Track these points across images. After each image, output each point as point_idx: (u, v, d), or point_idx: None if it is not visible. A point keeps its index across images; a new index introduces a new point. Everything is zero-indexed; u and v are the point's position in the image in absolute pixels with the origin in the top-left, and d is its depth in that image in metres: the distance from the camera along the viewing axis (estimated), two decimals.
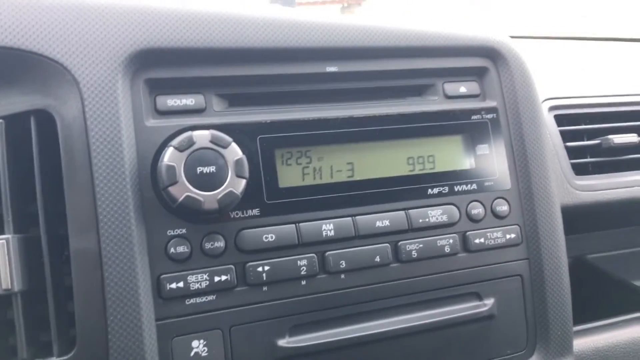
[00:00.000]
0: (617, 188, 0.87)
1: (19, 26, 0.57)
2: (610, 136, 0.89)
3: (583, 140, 0.91)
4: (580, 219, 0.98)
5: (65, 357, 0.57)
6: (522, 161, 0.73)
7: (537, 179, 0.73)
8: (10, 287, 0.55)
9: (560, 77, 1.02)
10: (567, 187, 0.85)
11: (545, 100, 0.90)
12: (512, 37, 0.79)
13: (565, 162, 0.87)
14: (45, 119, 0.58)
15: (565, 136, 0.90)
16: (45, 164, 0.58)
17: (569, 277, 0.75)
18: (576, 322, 0.86)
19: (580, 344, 0.84)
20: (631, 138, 0.90)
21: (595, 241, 1.14)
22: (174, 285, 0.59)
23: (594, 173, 0.90)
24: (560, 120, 0.90)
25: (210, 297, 0.60)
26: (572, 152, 0.89)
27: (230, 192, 0.58)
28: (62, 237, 0.59)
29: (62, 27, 0.58)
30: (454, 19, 0.75)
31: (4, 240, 0.55)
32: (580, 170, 0.89)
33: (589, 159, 0.90)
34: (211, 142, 0.58)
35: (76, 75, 0.57)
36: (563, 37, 1.27)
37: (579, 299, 0.96)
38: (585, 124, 0.93)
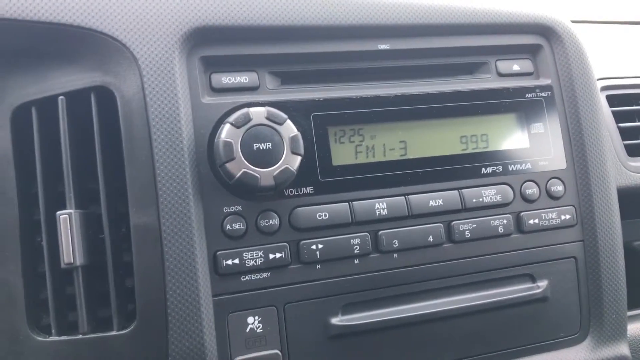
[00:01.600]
0: None
1: (80, 4, 0.57)
2: None
3: (635, 122, 0.89)
4: (632, 202, 0.96)
5: (125, 331, 0.57)
6: (577, 140, 0.72)
7: (593, 159, 0.71)
8: (72, 261, 0.56)
9: (612, 58, 0.99)
10: (620, 168, 0.83)
11: (598, 80, 0.88)
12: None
13: (618, 143, 0.85)
14: (105, 96, 0.59)
15: (618, 117, 0.87)
16: (105, 140, 0.59)
17: (624, 261, 0.73)
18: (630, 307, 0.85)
19: (633, 328, 0.82)
20: None
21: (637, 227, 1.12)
22: (230, 262, 0.59)
23: None
24: (612, 100, 0.88)
25: (265, 274, 0.60)
26: (624, 133, 0.87)
27: (286, 168, 0.58)
28: (121, 215, 0.60)
29: (121, 5, 0.58)
30: None
31: (66, 215, 0.56)
32: (633, 151, 0.87)
33: None
34: (267, 118, 0.58)
35: (135, 53, 0.58)
36: (612, 22, 1.23)
37: (628, 285, 0.94)
38: (637, 105, 0.90)
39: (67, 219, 0.56)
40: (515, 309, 0.68)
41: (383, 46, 0.68)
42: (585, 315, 0.72)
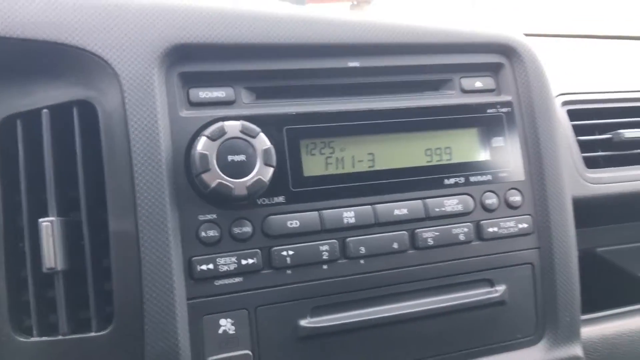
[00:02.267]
0: (627, 181, 0.90)
1: (64, 22, 0.60)
2: (621, 130, 0.92)
3: (595, 135, 0.94)
4: (591, 212, 1.01)
5: (102, 332, 0.61)
6: (535, 153, 0.76)
7: (550, 171, 0.76)
8: (53, 265, 0.59)
9: (573, 73, 1.04)
10: (578, 179, 0.88)
11: (559, 95, 0.93)
12: (525, 34, 0.82)
13: (577, 155, 0.89)
14: (87, 110, 0.62)
15: (578, 130, 0.92)
16: (86, 152, 0.62)
17: (578, 267, 0.78)
18: (586, 312, 0.89)
19: (589, 331, 0.87)
20: None
21: (605, 235, 1.17)
22: (204, 267, 0.62)
23: (605, 167, 0.93)
24: (572, 114, 0.93)
25: (238, 279, 0.64)
26: (584, 146, 0.92)
27: (259, 179, 0.62)
28: (101, 222, 0.63)
29: (103, 23, 0.61)
30: (468, 17, 0.78)
31: (48, 222, 0.60)
32: (591, 163, 0.92)
33: (600, 153, 0.93)
34: (241, 132, 0.62)
35: (116, 69, 0.61)
36: (574, 35, 1.29)
37: (589, 291, 0.99)
38: (597, 119, 0.95)
39: (49, 226, 0.59)
40: (475, 312, 0.73)
41: (353, 63, 0.72)
42: (540, 318, 0.76)
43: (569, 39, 1.32)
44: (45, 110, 0.62)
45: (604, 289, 1.14)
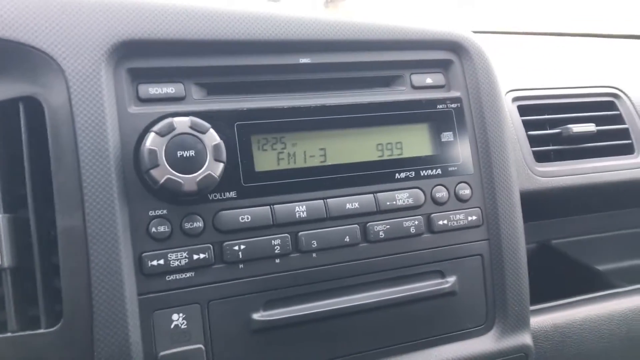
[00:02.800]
0: (574, 174, 0.93)
1: (7, 18, 0.60)
2: (569, 125, 0.95)
3: (545, 130, 0.97)
4: (544, 205, 1.04)
5: (52, 329, 0.60)
6: (484, 148, 0.78)
7: (498, 165, 0.78)
8: (0, 262, 0.59)
9: (525, 69, 1.07)
10: (528, 173, 0.90)
11: (509, 91, 0.96)
12: (477, 32, 0.84)
13: (527, 149, 0.92)
14: (33, 106, 0.62)
15: (528, 125, 0.95)
16: (33, 148, 0.62)
17: (526, 257, 0.80)
18: (539, 301, 0.92)
19: (541, 320, 0.90)
20: (589, 127, 0.95)
21: (560, 227, 1.21)
22: (155, 262, 0.62)
23: (555, 160, 0.96)
24: (523, 110, 0.96)
25: (189, 274, 0.64)
26: (534, 141, 0.94)
27: (209, 175, 0.62)
28: (49, 219, 0.62)
29: (48, 19, 0.61)
30: (429, 16, 0.79)
31: None
32: (542, 157, 0.95)
33: (550, 147, 0.96)
34: (191, 127, 0.62)
35: (62, 65, 0.61)
36: (530, 33, 1.32)
37: (544, 281, 1.02)
38: (547, 114, 0.98)
39: None
40: (426, 303, 0.74)
41: (304, 60, 0.72)
42: (490, 308, 0.78)
43: (528, 36, 1.35)
44: None
45: (559, 280, 1.17)
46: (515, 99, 0.95)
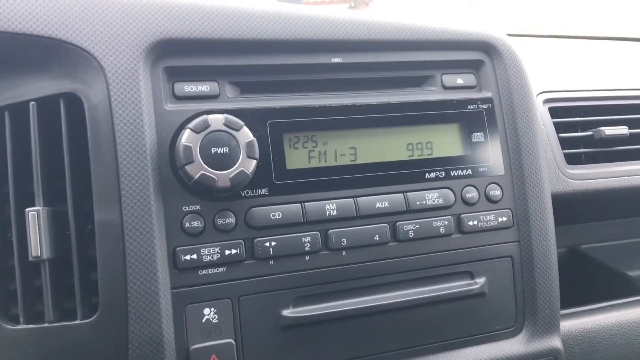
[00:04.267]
0: (606, 177, 0.92)
1: (51, 17, 0.62)
2: (602, 128, 0.94)
3: (576, 132, 0.96)
4: (574, 209, 1.03)
5: (87, 320, 0.62)
6: (515, 149, 0.78)
7: (529, 166, 0.78)
8: (39, 254, 0.61)
9: (556, 72, 1.06)
10: (559, 175, 0.89)
11: (541, 93, 0.95)
12: (510, 34, 0.84)
13: (558, 152, 0.91)
14: (74, 102, 0.63)
15: (559, 127, 0.94)
16: (72, 143, 0.64)
17: (557, 260, 0.79)
18: (569, 306, 0.91)
19: (570, 325, 0.88)
20: (621, 130, 0.94)
21: (589, 232, 1.19)
22: (188, 257, 0.64)
23: (587, 163, 0.95)
24: (554, 112, 0.95)
25: (221, 269, 0.65)
26: (565, 143, 0.93)
27: (242, 171, 0.63)
28: (87, 213, 0.64)
29: (90, 18, 0.63)
30: (454, 16, 0.79)
31: (35, 212, 0.61)
32: (573, 160, 0.94)
33: (581, 150, 0.95)
34: (225, 125, 0.63)
35: (102, 62, 0.62)
36: (560, 36, 1.31)
37: (573, 286, 1.01)
38: (578, 117, 0.97)
39: (35, 216, 0.61)
40: (455, 304, 0.74)
41: (336, 59, 0.73)
42: (520, 310, 0.78)
43: (556, 39, 1.34)
44: (32, 103, 0.63)
45: (589, 285, 1.15)
46: (547, 101, 0.94)
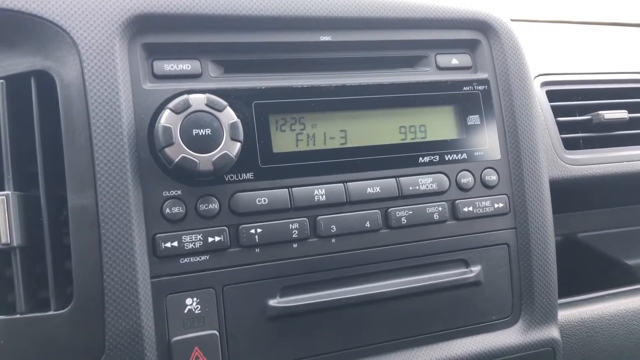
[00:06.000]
0: (606, 163, 0.89)
1: None
2: (601, 112, 0.91)
3: (574, 116, 0.93)
4: (571, 195, 1.00)
5: (61, 311, 0.58)
6: (512, 132, 0.75)
7: (526, 150, 0.75)
8: (9, 241, 0.57)
9: (554, 56, 1.03)
10: (557, 160, 0.86)
11: (538, 76, 0.92)
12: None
13: (556, 136, 0.88)
14: (45, 80, 0.60)
15: (557, 112, 0.91)
16: (45, 124, 0.60)
17: (554, 248, 0.77)
18: (566, 295, 0.88)
19: (567, 315, 0.86)
20: (621, 114, 0.91)
21: (586, 220, 1.16)
22: (168, 245, 0.60)
23: (585, 148, 0.92)
24: (552, 96, 0.92)
25: (204, 257, 0.62)
26: (563, 127, 0.90)
27: (225, 154, 0.60)
28: (62, 198, 0.61)
29: None
30: None
31: (3, 197, 0.57)
32: (571, 145, 0.91)
33: (579, 134, 0.92)
34: (207, 105, 0.60)
35: (75, 38, 0.59)
36: (557, 21, 1.27)
37: (570, 275, 0.98)
38: (577, 100, 0.94)
39: (4, 201, 0.57)
40: (449, 293, 0.71)
41: (325, 38, 0.70)
42: (517, 299, 0.75)
43: (553, 24, 1.31)
44: (1, 81, 0.59)
45: (586, 274, 1.13)
46: (544, 84, 0.91)
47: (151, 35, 0.63)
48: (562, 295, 0.84)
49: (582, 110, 0.94)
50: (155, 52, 0.63)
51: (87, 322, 0.58)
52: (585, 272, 1.10)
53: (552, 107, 0.90)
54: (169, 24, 0.63)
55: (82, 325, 0.58)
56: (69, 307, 0.58)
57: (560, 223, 1.08)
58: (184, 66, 0.64)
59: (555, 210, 0.78)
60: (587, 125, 0.92)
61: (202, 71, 0.65)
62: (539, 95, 0.90)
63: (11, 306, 0.60)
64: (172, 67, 0.64)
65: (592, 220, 1.16)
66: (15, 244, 0.57)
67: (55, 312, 0.58)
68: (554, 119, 0.89)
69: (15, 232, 0.57)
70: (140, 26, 0.62)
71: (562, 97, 0.92)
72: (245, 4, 0.65)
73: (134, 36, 0.62)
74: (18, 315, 0.59)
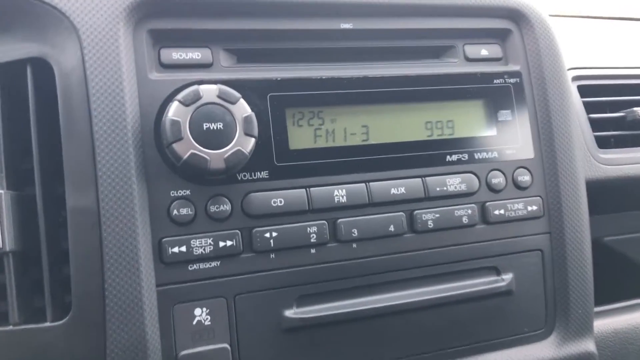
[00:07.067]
0: None
1: None
2: (635, 108, 0.85)
3: (606, 113, 0.87)
4: (600, 197, 0.95)
5: (58, 323, 0.53)
6: (546, 129, 0.69)
7: (562, 149, 0.69)
8: (2, 245, 0.52)
9: (585, 50, 0.97)
10: (591, 160, 0.81)
11: (569, 69, 0.86)
12: None
13: (588, 134, 0.83)
14: (43, 68, 0.55)
15: (589, 108, 0.85)
16: (42, 116, 0.55)
17: (591, 255, 0.71)
18: (597, 303, 0.83)
19: (599, 325, 0.81)
20: None
21: (613, 223, 1.11)
22: (176, 250, 0.55)
23: (617, 147, 0.86)
24: (583, 91, 0.86)
25: (215, 263, 0.57)
26: (595, 125, 0.85)
27: (238, 150, 0.54)
28: (60, 198, 0.55)
29: None
30: None
31: None
32: (602, 143, 0.85)
33: (612, 132, 0.86)
34: (219, 97, 0.55)
35: (75, 23, 0.54)
36: (585, 16, 1.22)
37: (599, 282, 0.92)
38: (609, 96, 0.88)
39: None
40: (479, 303, 0.66)
41: (346, 25, 0.65)
42: (550, 310, 0.70)
43: (582, 19, 1.25)
44: None
45: (612, 280, 1.07)
46: (576, 78, 0.86)
47: (158, 21, 0.58)
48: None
49: (614, 107, 0.88)
50: (162, 39, 0.58)
51: (86, 335, 0.53)
52: (614, 278, 1.04)
53: (584, 103, 0.85)
54: (178, 8, 0.58)
55: (81, 338, 0.53)
56: (67, 317, 0.53)
57: None
58: (194, 55, 0.59)
59: None
60: (620, 123, 0.87)
61: (214, 60, 0.60)
62: (571, 91, 0.84)
63: (3, 316, 0.55)
64: (180, 55, 0.59)
65: (619, 224, 1.11)
66: (7, 248, 0.52)
67: (52, 324, 0.53)
68: (586, 116, 0.84)
69: (8, 236, 0.52)
70: (147, 11, 0.57)
71: (594, 92, 0.87)
72: None
73: (140, 22, 0.57)
74: (11, 327, 0.54)
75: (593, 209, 1.01)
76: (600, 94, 0.88)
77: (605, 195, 0.92)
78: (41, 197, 0.54)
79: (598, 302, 0.86)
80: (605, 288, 0.98)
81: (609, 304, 0.86)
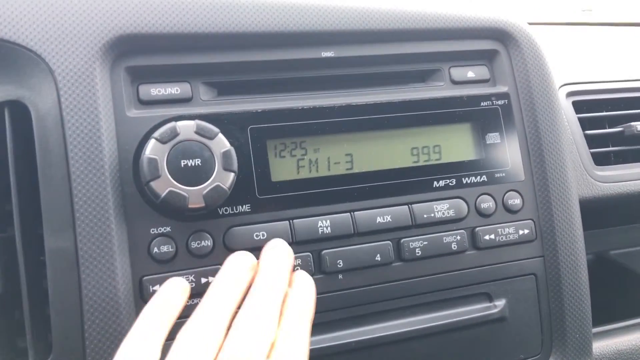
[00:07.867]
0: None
1: None
2: (633, 123, 0.83)
3: (604, 128, 0.85)
4: (603, 213, 0.93)
5: None
6: (536, 151, 0.68)
7: (553, 170, 0.68)
8: None
9: (578, 63, 0.95)
10: (587, 178, 0.79)
11: (563, 85, 0.85)
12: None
13: (584, 151, 0.81)
14: (20, 111, 0.55)
15: (585, 124, 0.84)
16: (20, 159, 0.55)
17: (587, 277, 0.69)
18: (598, 322, 0.81)
19: (602, 346, 0.79)
20: None
21: (618, 236, 1.08)
22: (157, 288, 0.55)
23: (616, 163, 0.84)
24: (579, 107, 0.84)
25: (197, 300, 0.56)
26: (592, 141, 0.83)
27: (218, 186, 0.54)
28: (41, 238, 0.55)
29: (34, 13, 0.54)
30: (460, 2, 0.70)
31: None
32: (600, 160, 0.83)
33: (610, 148, 0.84)
34: (196, 132, 0.54)
35: (50, 64, 0.54)
36: (578, 23, 1.20)
37: (601, 298, 0.90)
38: (606, 111, 0.87)
39: None
40: (472, 331, 0.65)
41: (327, 54, 0.64)
42: (547, 335, 0.68)
43: (573, 27, 1.23)
44: None
45: (618, 295, 1.05)
46: (570, 94, 0.84)
47: (136, 58, 0.58)
48: (595, 323, 0.77)
49: (612, 122, 0.86)
50: (140, 75, 0.58)
51: None
52: (618, 294, 1.02)
53: (580, 119, 0.83)
54: (155, 44, 0.58)
55: None
56: (49, 358, 0.53)
57: (589, 240, 1.00)
58: (173, 90, 0.59)
59: (584, 228, 0.70)
60: (618, 138, 0.85)
61: (193, 95, 0.59)
62: (565, 107, 0.83)
63: None
64: (159, 91, 0.58)
65: (626, 236, 1.08)
66: None
67: None
68: (581, 132, 0.82)
69: None
70: (123, 48, 0.57)
71: (590, 108, 0.85)
72: (238, 21, 0.60)
73: (117, 59, 0.57)
74: None
75: (596, 224, 0.99)
76: (596, 109, 0.86)
77: (609, 210, 0.90)
78: (20, 239, 0.54)
79: (604, 319, 0.84)
80: (611, 304, 0.96)
81: (612, 323, 0.83)
